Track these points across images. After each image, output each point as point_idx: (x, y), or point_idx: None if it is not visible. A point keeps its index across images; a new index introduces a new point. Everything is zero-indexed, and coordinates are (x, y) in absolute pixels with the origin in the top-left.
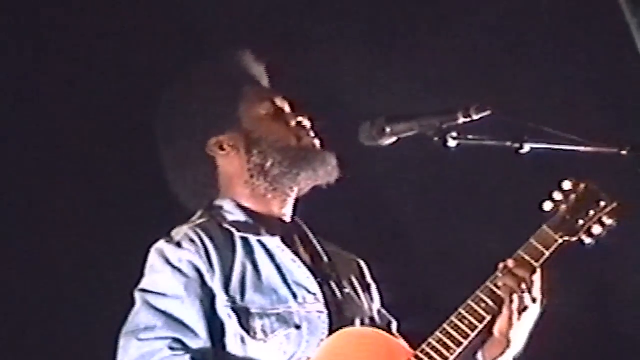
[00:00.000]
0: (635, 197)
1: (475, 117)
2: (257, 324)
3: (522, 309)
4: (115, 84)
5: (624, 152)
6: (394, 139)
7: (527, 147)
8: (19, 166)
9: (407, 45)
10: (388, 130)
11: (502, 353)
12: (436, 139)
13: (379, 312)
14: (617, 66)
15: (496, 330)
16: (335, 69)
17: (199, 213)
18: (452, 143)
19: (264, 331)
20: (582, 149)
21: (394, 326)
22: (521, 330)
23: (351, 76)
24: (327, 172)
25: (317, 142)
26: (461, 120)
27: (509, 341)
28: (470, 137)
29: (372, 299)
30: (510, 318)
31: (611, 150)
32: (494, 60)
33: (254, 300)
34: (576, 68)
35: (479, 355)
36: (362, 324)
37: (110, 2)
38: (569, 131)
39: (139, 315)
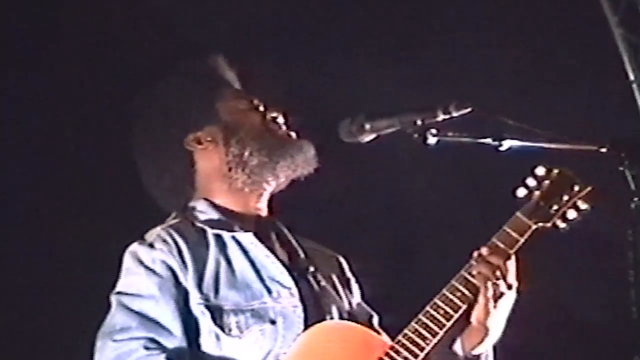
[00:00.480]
0: (614, 193)
1: (455, 114)
2: (231, 320)
3: (498, 296)
4: (95, 86)
5: (603, 150)
6: (374, 135)
7: (506, 144)
8: None
9: (386, 43)
10: (368, 126)
11: (481, 341)
12: (416, 135)
13: (359, 305)
14: (597, 63)
15: (474, 318)
16: (314, 67)
17: (172, 215)
18: (431, 140)
19: (238, 327)
20: (561, 146)
21: (375, 320)
22: (498, 318)
23: (330, 74)
24: (305, 161)
25: (292, 133)
26: (441, 117)
27: (487, 329)
28: (449, 134)
29: (351, 293)
30: (487, 306)
31: (591, 147)
32: (473, 57)
33: (227, 297)
34: (556, 65)
35: (456, 345)
36: (340, 317)
37: (91, 4)
38: (548, 128)
39: (115, 317)
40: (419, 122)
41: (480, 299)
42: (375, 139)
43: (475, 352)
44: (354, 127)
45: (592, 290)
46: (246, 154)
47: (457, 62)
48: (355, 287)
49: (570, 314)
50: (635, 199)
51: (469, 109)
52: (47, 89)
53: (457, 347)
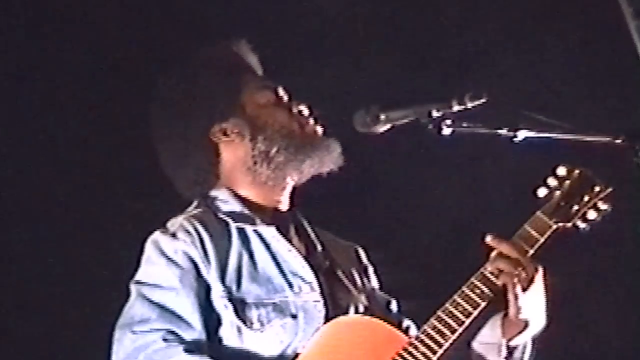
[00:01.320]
0: (629, 185)
1: (470, 105)
2: (253, 313)
3: (525, 287)
4: (111, 72)
5: (618, 141)
6: (388, 126)
7: (521, 135)
8: (13, 157)
9: (401, 33)
10: (382, 117)
11: (520, 332)
12: (430, 126)
13: (376, 292)
14: (611, 54)
15: (510, 313)
16: (328, 57)
17: (194, 203)
18: (446, 131)
19: (260, 321)
20: (576, 137)
21: (394, 304)
22: (534, 309)
23: (346, 64)
24: (332, 160)
25: (319, 129)
26: (455, 108)
27: (525, 322)
28: (464, 124)
29: (369, 281)
30: (517, 301)
31: (605, 138)
32: (488, 48)
33: (250, 290)
34: (571, 56)
35: (489, 333)
36: (357, 311)
37: None
38: (563, 119)
39: (134, 308)
40: (434, 113)
41: (510, 296)
42: (390, 129)
43: (513, 342)
44: (368, 118)
45: (608, 279)
46: (273, 151)
47: (472, 53)
48: (372, 275)
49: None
50: None
51: (484, 100)
52: (69, 71)
53: (493, 335)
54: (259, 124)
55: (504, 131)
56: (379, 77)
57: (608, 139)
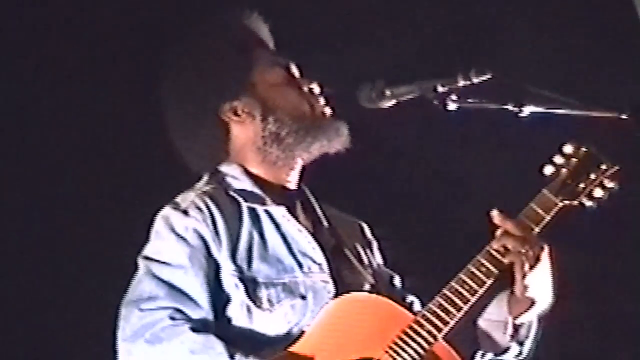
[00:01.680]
0: (635, 161)
1: (475, 80)
2: (263, 293)
3: (532, 265)
4: (120, 44)
5: (623, 116)
6: (394, 101)
7: (526, 111)
8: (20, 129)
9: (408, 8)
10: (388, 92)
11: (526, 310)
12: (436, 102)
13: (380, 268)
14: (617, 29)
15: (516, 291)
16: (335, 31)
17: (205, 179)
18: (452, 106)
19: (269, 301)
20: (581, 112)
21: (397, 280)
22: (540, 287)
23: (353, 38)
24: (340, 142)
25: (328, 110)
26: (461, 83)
27: (531, 300)
28: (469, 100)
29: (374, 257)
30: (523, 279)
31: (611, 114)
32: (494, 23)
33: (260, 270)
34: (576, 31)
35: (496, 310)
36: (362, 289)
37: None
38: (568, 95)
39: (142, 284)
40: (439, 88)
41: (517, 274)
42: (395, 105)
43: (519, 320)
44: (374, 93)
45: (614, 255)
46: (283, 132)
47: (477, 28)
48: (377, 251)
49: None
50: None
51: (489, 75)
52: (74, 44)
53: (500, 313)
54: (269, 105)
55: (509, 107)
56: (385, 52)
57: (613, 114)
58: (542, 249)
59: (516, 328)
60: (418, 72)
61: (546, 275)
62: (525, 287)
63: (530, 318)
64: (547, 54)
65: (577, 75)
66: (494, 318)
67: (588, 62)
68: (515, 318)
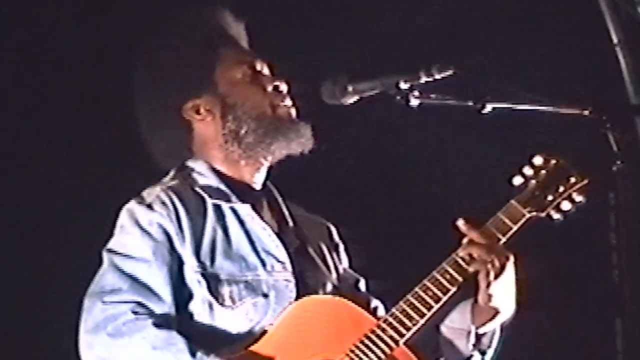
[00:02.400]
0: (597, 158)
1: (438, 76)
2: (225, 290)
3: (497, 275)
4: (89, 39)
5: (586, 112)
6: (356, 97)
7: (489, 107)
8: None
9: (371, 4)
10: (350, 88)
11: (490, 320)
12: (398, 98)
13: (346, 271)
14: (580, 25)
15: (480, 300)
16: (299, 28)
17: (171, 173)
18: (414, 102)
19: (231, 298)
20: (544, 108)
21: (362, 283)
22: (504, 296)
23: (315, 35)
24: (300, 144)
25: (292, 111)
26: (423, 79)
27: (495, 310)
28: (432, 96)
29: (339, 259)
30: (488, 288)
31: (573, 110)
32: (456, 19)
33: (223, 267)
34: (539, 28)
35: (458, 318)
36: (325, 291)
37: None
38: (531, 91)
39: (105, 277)
40: (401, 84)
41: (481, 283)
42: (357, 101)
43: (482, 330)
44: (336, 89)
45: (575, 256)
46: (242, 131)
47: (440, 24)
48: (343, 252)
49: (553, 278)
50: (617, 162)
51: (451, 71)
52: (41, 42)
53: (462, 321)
54: (229, 103)
55: (471, 103)
56: (346, 49)
57: (576, 110)
58: (507, 258)
59: (479, 337)
60: (380, 67)
61: (510, 285)
62: (489, 296)
63: (493, 327)
64: (510, 51)
65: (540, 72)
66: (456, 326)
67: (551, 59)
68: (478, 327)
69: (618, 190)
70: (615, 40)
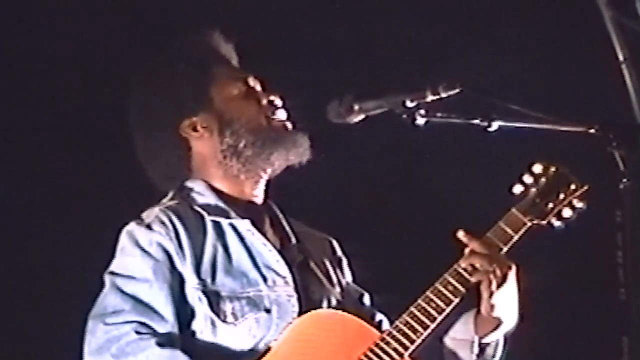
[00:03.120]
0: (604, 176)
1: (444, 95)
2: (227, 307)
3: (499, 285)
4: (86, 63)
5: (592, 131)
6: (362, 116)
7: (495, 125)
8: None
9: (375, 22)
10: (356, 107)
11: (493, 330)
12: (404, 116)
13: (349, 285)
14: (586, 44)
15: (483, 310)
16: (303, 46)
17: (170, 194)
18: (420, 121)
19: (234, 314)
20: (550, 127)
21: (366, 298)
22: (506, 306)
23: (320, 53)
24: (298, 154)
25: (288, 123)
26: (429, 97)
27: (498, 320)
28: (438, 114)
29: (343, 274)
30: (490, 298)
31: (579, 128)
32: (463, 38)
33: (224, 283)
34: (545, 46)
35: (462, 329)
36: (330, 305)
37: None
38: (537, 109)
39: (107, 298)
40: (407, 103)
41: (484, 293)
42: (363, 119)
43: (485, 340)
44: (342, 108)
45: (581, 272)
46: (241, 145)
47: (446, 43)
48: (346, 267)
49: (560, 296)
50: (624, 179)
51: (458, 90)
52: (42, 70)
53: (466, 332)
54: (226, 118)
55: (478, 121)
56: (352, 68)
57: (582, 128)
58: (509, 268)
59: (482, 347)
60: (386, 86)
61: (513, 294)
62: (492, 306)
63: (497, 337)
64: (516, 69)
65: (546, 90)
66: (460, 337)
67: (557, 77)
68: (481, 337)
69: (625, 208)
70: (621, 57)
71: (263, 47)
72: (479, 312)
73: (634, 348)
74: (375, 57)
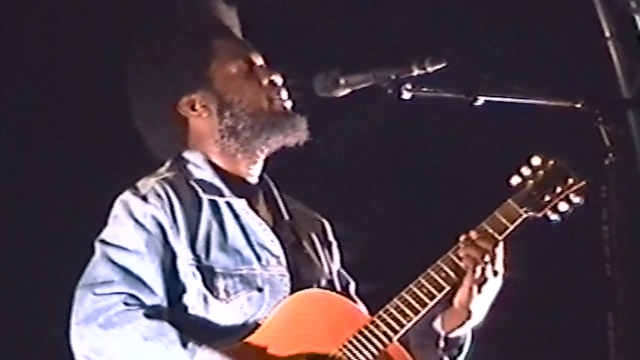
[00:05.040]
0: (589, 151)
1: (430, 70)
2: (220, 283)
3: (483, 281)
4: (84, 32)
5: (578, 106)
6: (348, 90)
7: (481, 100)
8: None
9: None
10: (342, 81)
11: (462, 324)
12: (390, 91)
13: (338, 272)
14: (572, 19)
15: (456, 301)
16: (293, 22)
17: (167, 164)
18: (406, 95)
19: (226, 291)
20: (536, 101)
21: (352, 287)
22: (481, 302)
23: (308, 28)
24: (296, 136)
25: (288, 104)
26: (415, 72)
27: (469, 312)
28: (424, 89)
29: (332, 258)
30: (471, 290)
31: (565, 103)
32: (449, 12)
33: (218, 260)
34: (531, 21)
35: (436, 324)
36: (319, 286)
37: None
38: (524, 84)
39: (97, 268)
40: (393, 77)
41: (466, 282)
42: (350, 93)
43: (453, 334)
44: (328, 82)
45: (566, 249)
46: (239, 127)
47: (432, 17)
48: (336, 252)
49: (545, 272)
50: (609, 155)
51: (443, 64)
52: (36, 38)
53: (436, 326)
54: (226, 100)
55: (464, 95)
56: (339, 41)
57: (568, 103)
58: (502, 268)
59: (448, 342)
60: (372, 60)
61: (492, 292)
62: (469, 298)
63: (464, 332)
64: (502, 44)
65: (532, 66)
66: (428, 330)
67: (543, 52)
68: (448, 332)
69: (610, 184)
70: (607, 33)
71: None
72: (449, 305)
73: (619, 324)
74: (362, 32)
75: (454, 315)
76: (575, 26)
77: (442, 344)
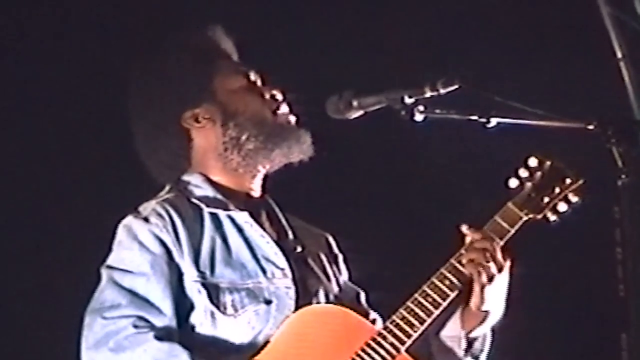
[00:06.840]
0: (602, 172)
1: (443, 91)
2: (227, 298)
3: (490, 279)
4: (86, 56)
5: (590, 127)
6: (361, 112)
7: (494, 122)
8: None
9: (376, 18)
10: (355, 103)
11: (480, 324)
12: (403, 112)
13: (346, 284)
14: (584, 41)
15: (472, 304)
16: (304, 42)
17: (167, 188)
18: (419, 117)
19: (233, 306)
20: (549, 123)
21: (363, 297)
22: (495, 301)
23: (320, 49)
24: (301, 150)
25: (292, 118)
26: (428, 94)
27: (485, 313)
28: (437, 111)
29: (339, 271)
30: (482, 292)
31: (578, 124)
32: (462, 34)
33: (223, 275)
34: (544, 42)
35: (451, 326)
36: (327, 299)
37: None
38: (536, 106)
39: (105, 293)
40: (406, 99)
41: (475, 286)
42: (362, 115)
43: (473, 334)
44: (341, 104)
45: (580, 269)
46: (243, 138)
47: (445, 38)
48: (343, 265)
49: (559, 292)
50: (622, 176)
51: (456, 86)
52: (41, 57)
53: (453, 327)
54: (230, 110)
55: (476, 117)
56: (352, 63)
57: (581, 125)
58: (504, 261)
59: (470, 342)
60: (385, 82)
61: (503, 288)
62: (482, 300)
63: (484, 331)
64: (515, 66)
65: (544, 87)
66: (448, 333)
67: (556, 74)
68: (468, 332)
69: (623, 205)
70: (619, 54)
71: (263, 43)
72: (466, 306)
73: (633, 345)
74: (375, 54)
75: (472, 316)
76: (588, 48)
77: (463, 344)
